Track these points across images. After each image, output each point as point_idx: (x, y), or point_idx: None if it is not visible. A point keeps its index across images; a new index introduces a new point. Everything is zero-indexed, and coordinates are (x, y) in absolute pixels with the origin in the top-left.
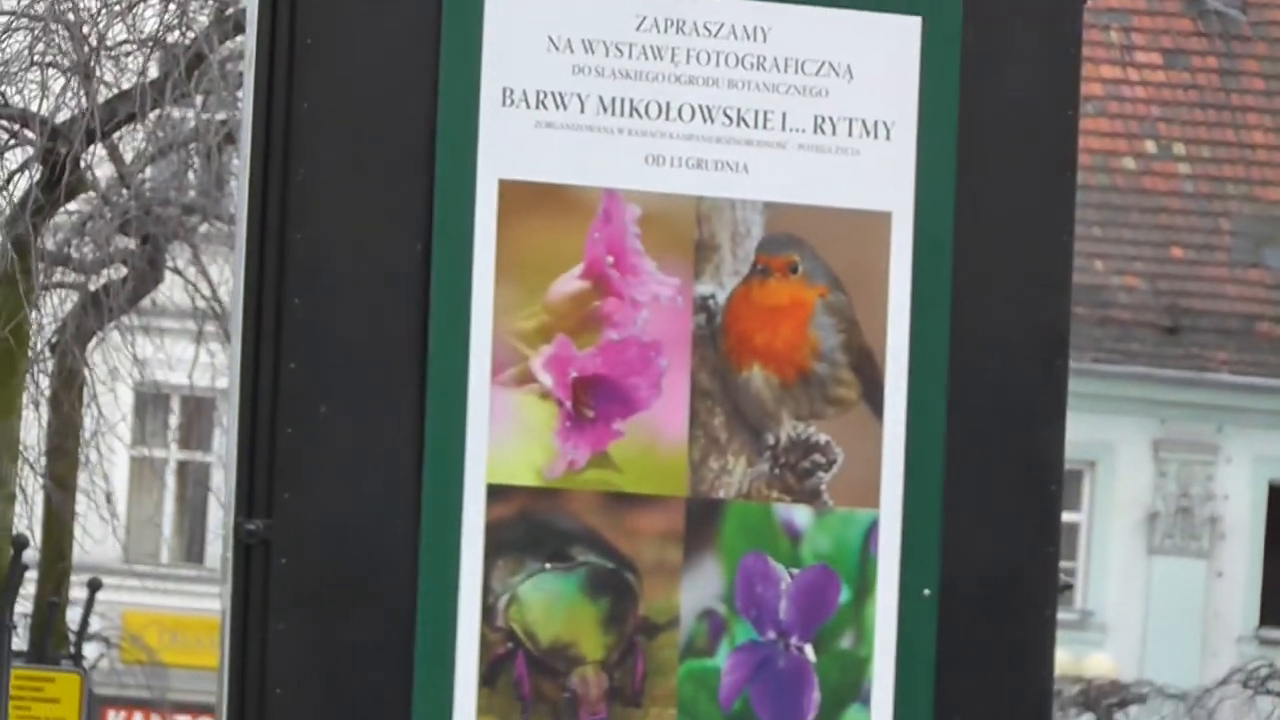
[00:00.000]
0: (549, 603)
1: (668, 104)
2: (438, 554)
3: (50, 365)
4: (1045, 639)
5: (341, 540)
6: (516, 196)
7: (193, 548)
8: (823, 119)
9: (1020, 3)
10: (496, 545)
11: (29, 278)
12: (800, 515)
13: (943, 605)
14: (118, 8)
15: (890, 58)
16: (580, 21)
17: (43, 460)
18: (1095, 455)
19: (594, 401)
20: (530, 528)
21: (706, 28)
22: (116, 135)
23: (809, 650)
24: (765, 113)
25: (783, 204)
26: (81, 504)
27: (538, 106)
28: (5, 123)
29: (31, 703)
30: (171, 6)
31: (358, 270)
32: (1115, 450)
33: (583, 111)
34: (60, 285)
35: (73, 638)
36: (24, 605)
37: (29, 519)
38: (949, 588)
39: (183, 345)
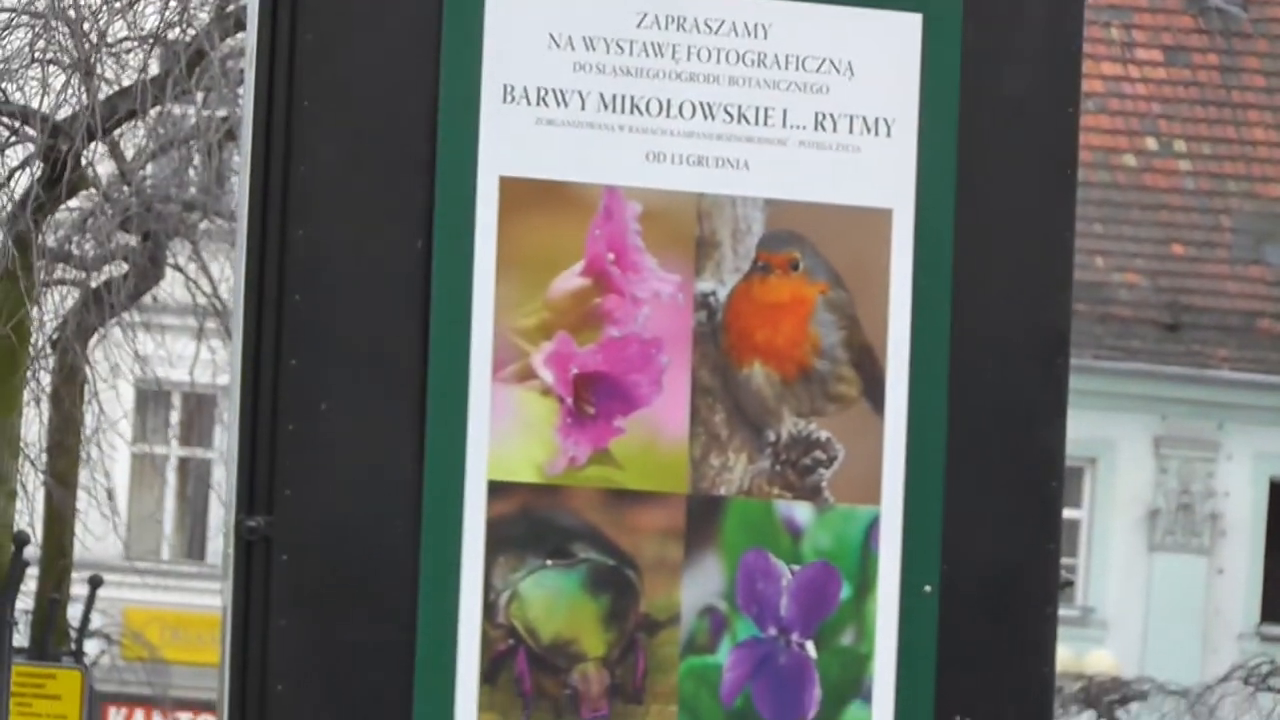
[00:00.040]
0: (550, 599)
1: (668, 101)
2: (439, 551)
3: (51, 362)
4: (1046, 636)
5: (342, 537)
6: (517, 193)
7: (194, 544)
8: (823, 116)
9: (1021, 0)
10: (497, 542)
11: (30, 274)
12: (801, 512)
13: (944, 602)
14: (118, 4)
15: (891, 55)
16: (581, 19)
17: (44, 457)
18: (1096, 452)
19: (595, 398)
20: (531, 524)
21: (707, 25)
22: (117, 132)
23: (810, 647)
24: (766, 110)
25: (783, 201)
26: (82, 501)
27: (538, 103)
28: (6, 120)
29: (33, 699)
30: (172, 3)
31: (358, 267)
32: (1116, 447)
33: (583, 108)
34: (61, 282)
35: (74, 634)
36: (25, 602)
37: (30, 516)
38: (950, 584)
39: (184, 342)
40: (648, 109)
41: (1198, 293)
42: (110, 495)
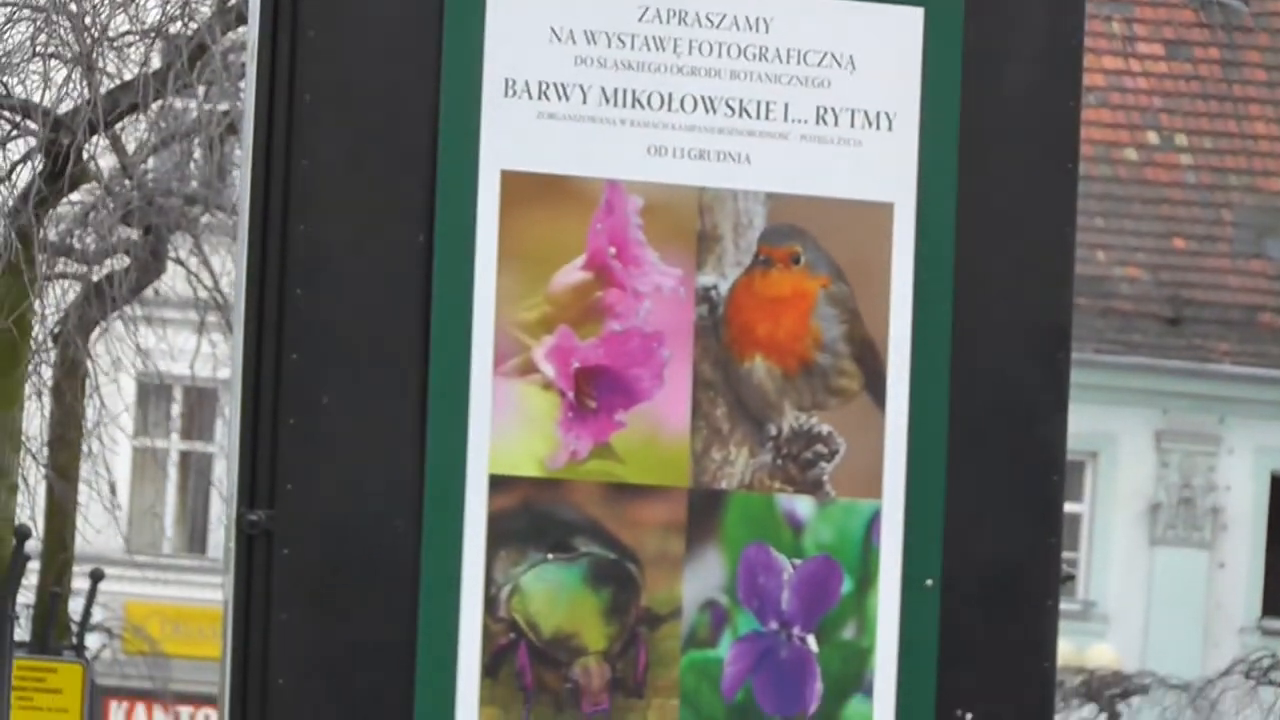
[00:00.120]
0: (551, 593)
1: (670, 95)
2: (440, 545)
3: (53, 355)
4: (1048, 629)
5: (344, 531)
6: (518, 187)
7: (195, 538)
8: (825, 110)
9: None
10: (499, 536)
11: (32, 268)
12: (802, 506)
13: (945, 596)
14: None
15: (892, 49)
16: (582, 12)
17: (45, 451)
18: (1097, 446)
19: (596, 392)
20: (532, 518)
21: (709, 19)
22: (119, 126)
23: (811, 641)
24: (767, 103)
25: (785, 195)
26: (84, 494)
27: (540, 97)
28: (8, 114)
29: (34, 693)
30: None
31: (360, 261)
32: (1117, 441)
33: (585, 102)
34: (63, 276)
35: (75, 628)
36: (26, 596)
37: (31, 509)
38: (951, 578)
39: (185, 336)
40: (649, 103)
41: (1199, 287)
42: (112, 489)
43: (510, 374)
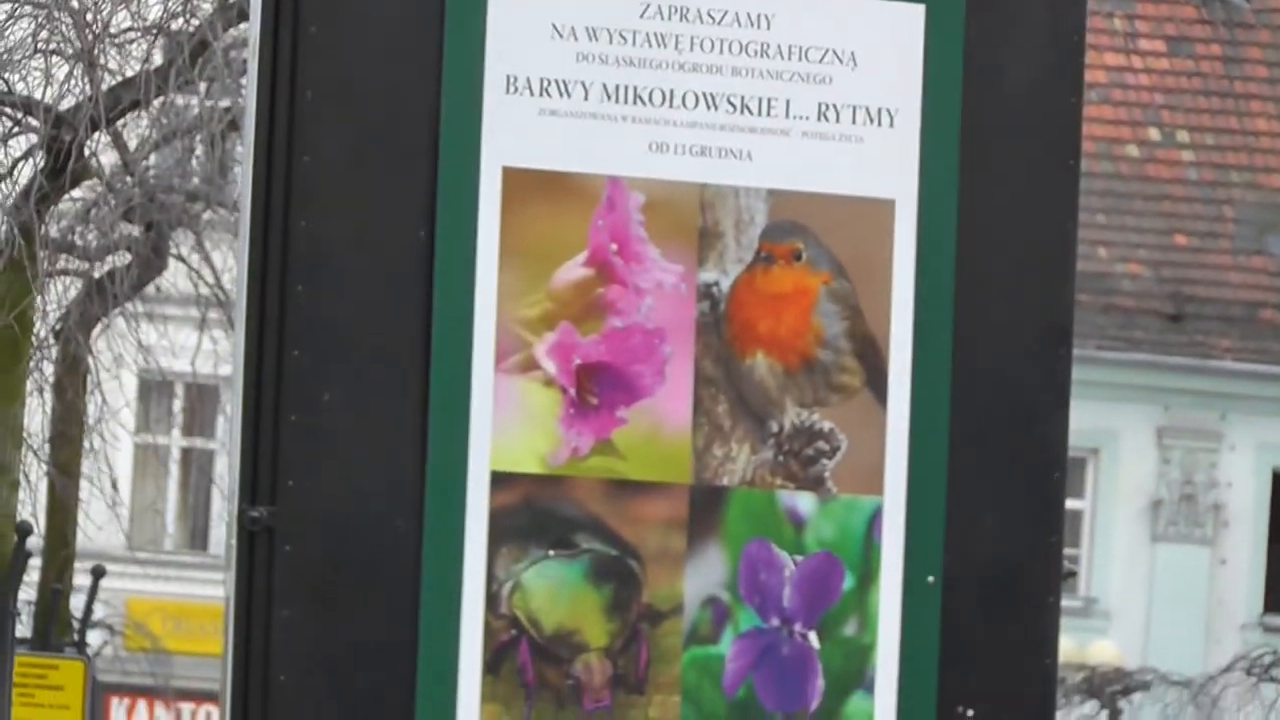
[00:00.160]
0: (553, 590)
1: (671, 91)
2: (441, 541)
3: (54, 352)
4: (1049, 626)
5: (345, 527)
6: (520, 184)
7: (196, 535)
8: (826, 106)
9: None
10: (500, 532)
11: (34, 264)
12: (804, 502)
13: (946, 593)
14: None
15: (894, 45)
16: (584, 9)
17: (46, 447)
18: (1099, 443)
19: (598, 389)
20: (534, 515)
21: (710, 15)
22: (120, 122)
23: (813, 637)
24: (769, 100)
25: (786, 191)
26: (85, 491)
27: (541, 94)
28: (9, 110)
29: (35, 690)
30: None
31: (361, 258)
32: (1119, 438)
33: (586, 99)
34: (64, 272)
35: (76, 625)
36: (28, 592)
37: (33, 506)
38: (952, 575)
39: (186, 332)
40: (651, 99)
41: (1201, 283)
42: (114, 485)
43: (512, 370)
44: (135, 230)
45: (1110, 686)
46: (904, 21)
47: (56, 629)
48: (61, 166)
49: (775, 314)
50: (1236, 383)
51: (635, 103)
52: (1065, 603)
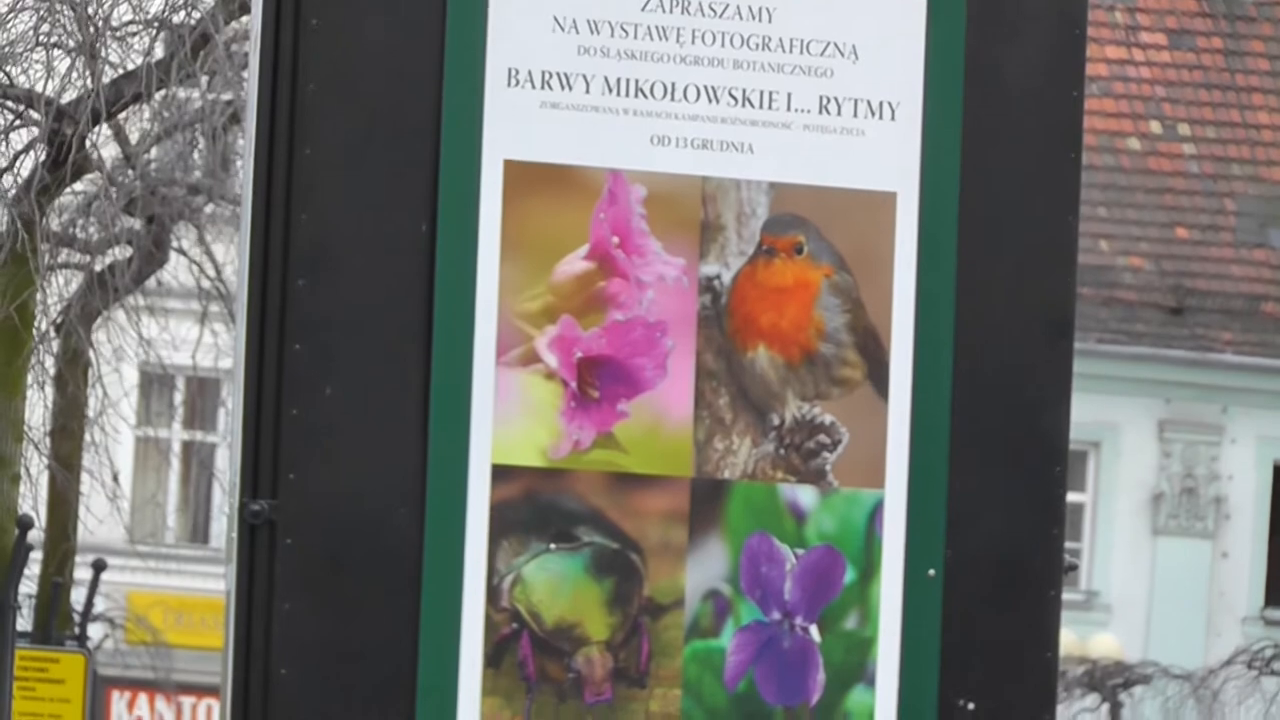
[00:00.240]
0: (554, 583)
1: (673, 84)
2: (442, 534)
3: (55, 345)
4: (1050, 619)
5: (346, 521)
6: (521, 177)
7: (197, 528)
8: (828, 99)
9: None
10: (501, 526)
11: (36, 256)
12: (805, 496)
13: (947, 586)
14: None
15: (895, 38)
16: (585, 2)
17: (47, 441)
18: (1100, 436)
19: (599, 382)
20: (535, 508)
21: (712, 8)
22: (122, 116)
23: (814, 631)
24: (770, 93)
25: (788, 184)
26: (86, 484)
27: (543, 87)
28: (10, 103)
29: (36, 683)
30: None
31: (362, 251)
32: (1120, 431)
33: (588, 92)
34: (65, 266)
35: (77, 618)
36: (29, 586)
37: (34, 499)
38: (954, 568)
39: (187, 326)
40: (652, 92)
41: (1202, 276)
42: (115, 479)
43: (513, 364)
44: (136, 223)
45: (1111, 680)
46: (905, 14)
47: (57, 622)
48: (62, 159)
49: (777, 307)
50: (1238, 376)
51: (637, 96)
52: (1066, 596)
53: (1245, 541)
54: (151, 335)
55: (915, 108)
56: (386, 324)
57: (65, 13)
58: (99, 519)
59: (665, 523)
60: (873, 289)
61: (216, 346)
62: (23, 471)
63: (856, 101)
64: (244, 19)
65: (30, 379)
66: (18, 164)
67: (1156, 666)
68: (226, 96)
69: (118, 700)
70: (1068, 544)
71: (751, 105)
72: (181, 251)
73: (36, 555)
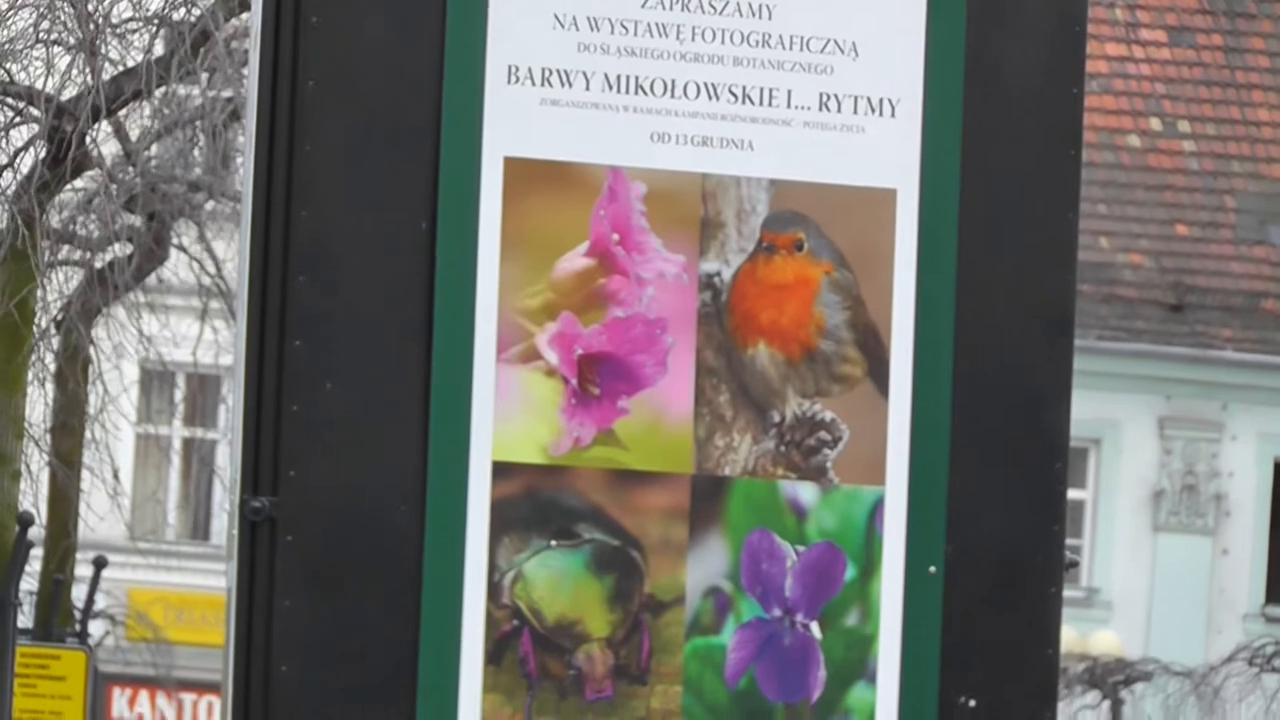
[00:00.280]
0: (554, 580)
1: (673, 81)
2: (443, 531)
3: (55, 342)
4: (1051, 616)
5: (347, 517)
6: (522, 174)
7: (198, 525)
8: (828, 96)
9: None
10: (502, 522)
11: (36, 253)
12: (806, 492)
13: (948, 583)
14: None
15: (895, 35)
16: None
17: (48, 437)
18: (1100, 433)
19: (599, 379)
20: (536, 505)
21: (712, 5)
22: (122, 112)
23: (815, 628)
24: (770, 90)
25: (788, 181)
26: (86, 481)
27: (543, 84)
28: (11, 100)
29: (37, 680)
30: None
31: (363, 248)
32: (1120, 428)
33: (588, 89)
34: (66, 262)
35: (78, 615)
36: (29, 583)
37: (34, 496)
38: (954, 565)
39: (188, 322)
40: (652, 89)
41: (1202, 273)
42: (115, 475)
43: (513, 361)
44: (137, 220)
45: (1112, 677)
46: (905, 11)
47: (58, 619)
48: (63, 156)
49: (777, 304)
50: (1238, 373)
51: (637, 93)
52: (1067, 593)
53: (1246, 538)
54: (152, 332)
55: (915, 104)
56: (387, 320)
57: (65, 10)
58: (100, 516)
59: (666, 520)
60: (873, 286)
61: (217, 343)
62: (23, 468)
63: (856, 98)
64: (244, 16)
65: (31, 376)
66: (18, 161)
67: (1157, 663)
68: (227, 93)
69: (119, 697)
70: (1068, 541)
71: (751, 102)
72: (182, 248)
73: (37, 552)
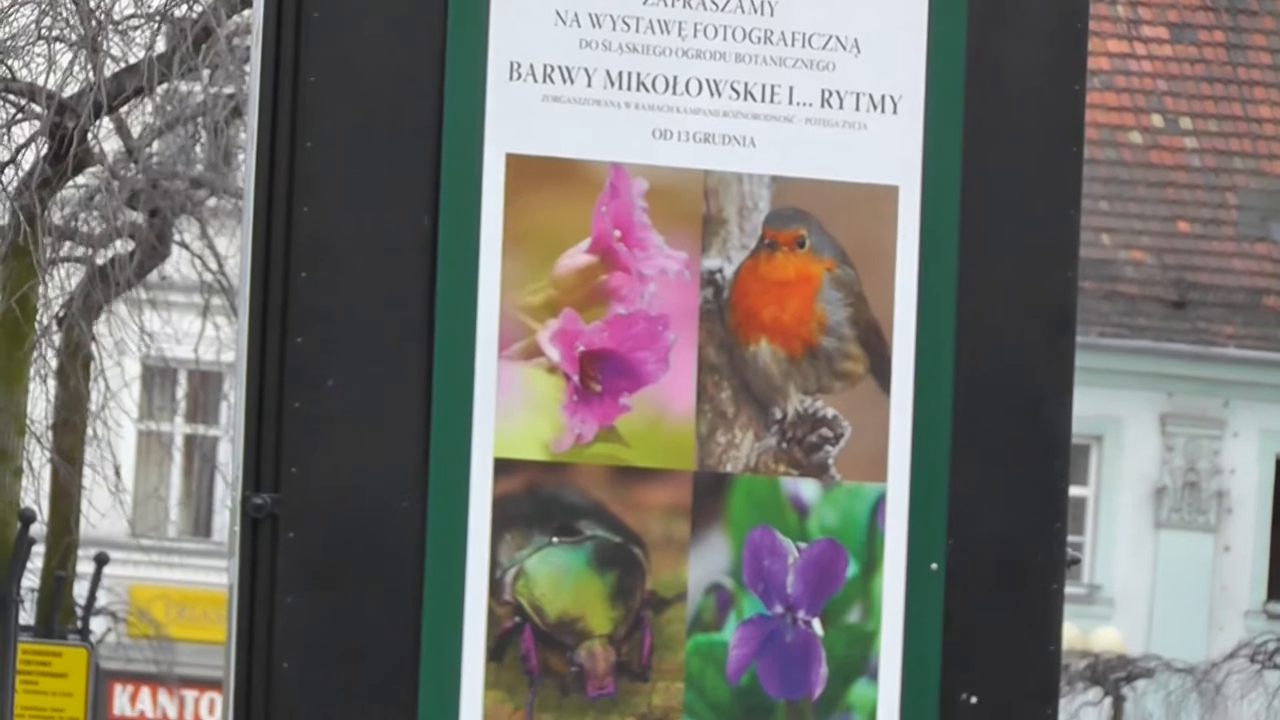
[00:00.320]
0: (556, 577)
1: (675, 78)
2: (445, 528)
3: (57, 339)
4: (1052, 613)
5: (349, 514)
6: (524, 171)
7: (199, 522)
8: (830, 93)
9: None
10: (504, 519)
11: (38, 249)
12: (808, 489)
13: (950, 580)
14: None
15: (897, 31)
16: None
17: (49, 434)
18: (1102, 430)
19: (601, 376)
20: (537, 502)
21: (714, 2)
22: (124, 109)
23: (816, 624)
24: (772, 87)
25: (790, 178)
26: (88, 478)
27: (545, 81)
28: (13, 97)
29: (39, 677)
30: None
31: (365, 244)
32: (1122, 425)
33: (590, 86)
34: (67, 259)
35: (80, 612)
36: (31, 580)
37: (36, 493)
38: (956, 562)
39: (190, 319)
40: (654, 86)
41: (1204, 270)
42: (117, 472)
43: (515, 357)
44: (138, 217)
45: (1114, 673)
46: (907, 8)
47: (60, 616)
48: (64, 153)
49: (779, 301)
50: (1240, 369)
51: (638, 89)
52: (1069, 590)
53: (1247, 535)
54: (153, 329)
55: (917, 101)
56: (388, 317)
57: (67, 6)
58: (101, 513)
59: (667, 516)
60: (875, 282)
61: (218, 340)
62: (25, 465)
63: (858, 95)
64: (246, 12)
65: (32, 372)
66: (20, 157)
67: (1159, 660)
68: (228, 90)
69: (120, 694)
70: (1070, 538)
71: (753, 99)
72: (184, 245)
73: (39, 549)
